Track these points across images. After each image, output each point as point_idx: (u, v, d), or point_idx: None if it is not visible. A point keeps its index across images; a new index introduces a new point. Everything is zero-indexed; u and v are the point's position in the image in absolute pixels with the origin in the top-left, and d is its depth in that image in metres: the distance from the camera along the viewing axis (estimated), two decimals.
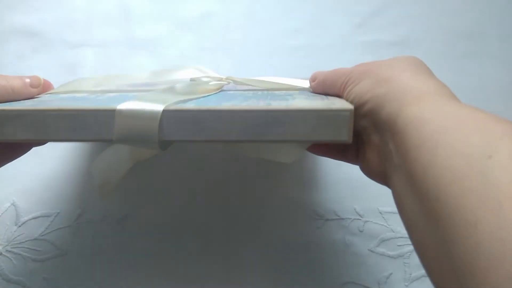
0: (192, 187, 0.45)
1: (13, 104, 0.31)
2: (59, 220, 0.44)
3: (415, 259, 0.41)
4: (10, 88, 0.34)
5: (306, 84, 0.38)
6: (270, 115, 0.28)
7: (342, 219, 0.44)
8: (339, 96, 0.33)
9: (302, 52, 0.50)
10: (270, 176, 0.45)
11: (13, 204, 0.45)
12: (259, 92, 0.36)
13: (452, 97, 0.27)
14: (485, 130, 0.21)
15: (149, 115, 0.28)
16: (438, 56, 0.54)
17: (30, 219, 0.44)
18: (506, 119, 0.22)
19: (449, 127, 0.22)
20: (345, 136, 0.29)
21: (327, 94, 0.34)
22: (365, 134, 0.30)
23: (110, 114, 0.29)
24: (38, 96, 0.37)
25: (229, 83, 0.39)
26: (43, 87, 0.37)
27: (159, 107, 0.28)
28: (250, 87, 0.38)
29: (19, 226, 0.43)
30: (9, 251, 0.42)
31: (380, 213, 0.44)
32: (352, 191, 0.42)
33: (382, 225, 0.43)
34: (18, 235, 0.43)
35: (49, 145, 0.37)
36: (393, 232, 0.43)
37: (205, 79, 0.39)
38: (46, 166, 0.45)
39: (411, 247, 0.42)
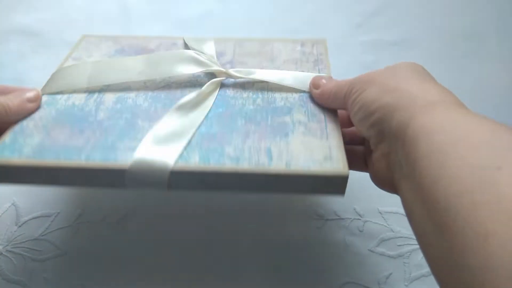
0: None
1: (26, 153, 0.31)
2: (59, 220, 0.44)
3: (414, 259, 0.41)
4: (6, 109, 0.34)
5: (306, 82, 0.38)
6: (270, 177, 0.30)
7: (342, 219, 0.44)
8: (343, 106, 0.33)
9: None
10: None
11: (13, 204, 0.45)
12: (260, 102, 0.37)
13: (460, 104, 0.27)
14: (494, 141, 0.21)
15: (159, 174, 0.30)
16: (438, 56, 0.54)
17: (30, 219, 0.44)
18: None
19: (458, 138, 0.22)
20: (341, 193, 0.31)
21: (329, 106, 0.35)
22: (373, 143, 0.30)
23: (120, 172, 0.30)
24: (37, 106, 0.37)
25: (226, 78, 0.39)
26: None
27: (168, 164, 0.30)
28: (247, 93, 0.38)
29: (19, 226, 0.43)
30: (9, 251, 0.42)
31: (380, 213, 0.44)
32: (352, 191, 0.42)
33: (382, 225, 0.43)
34: (18, 235, 0.43)
35: None
36: (393, 232, 0.43)
37: (203, 77, 0.39)
38: None
39: (411, 247, 0.42)
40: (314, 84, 0.37)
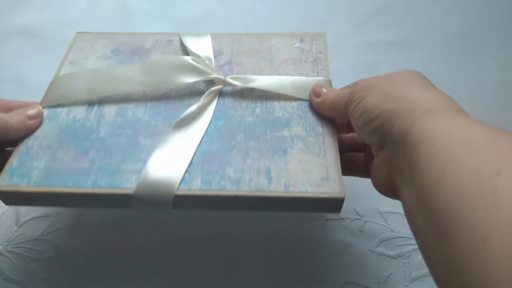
0: None
1: (34, 180, 0.33)
2: (59, 220, 0.44)
3: (415, 259, 0.41)
4: (7, 127, 0.34)
5: (304, 90, 0.38)
6: (269, 200, 0.31)
7: (342, 219, 0.44)
8: (343, 115, 0.33)
9: None
10: None
11: None
12: (259, 112, 0.37)
13: (460, 111, 0.27)
14: (493, 147, 0.22)
15: (163, 199, 0.32)
16: (438, 56, 0.54)
17: (30, 219, 0.44)
18: None
19: (459, 144, 0.23)
20: (337, 211, 0.33)
21: (329, 115, 0.36)
22: (374, 149, 0.30)
23: (126, 196, 0.32)
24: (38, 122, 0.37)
25: (224, 86, 0.39)
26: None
27: (171, 190, 0.31)
28: (246, 102, 0.38)
29: (19, 226, 0.43)
30: (9, 251, 0.42)
31: (380, 213, 0.44)
32: (352, 191, 0.42)
33: (382, 225, 0.43)
34: (18, 235, 0.43)
35: None
36: (393, 232, 0.43)
37: (202, 83, 0.39)
38: None
39: (411, 247, 0.42)
40: (315, 92, 0.36)
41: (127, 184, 0.32)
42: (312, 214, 0.44)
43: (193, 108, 0.36)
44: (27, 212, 0.44)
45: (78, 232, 0.43)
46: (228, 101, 0.38)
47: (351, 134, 0.40)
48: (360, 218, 0.44)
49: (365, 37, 0.56)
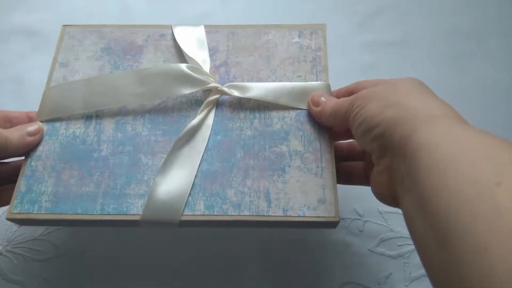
0: None
1: (44, 207, 0.34)
2: None
3: (414, 259, 0.41)
4: (6, 143, 0.34)
5: (302, 98, 0.37)
6: (269, 223, 0.33)
7: (342, 219, 0.44)
8: (343, 124, 0.33)
9: None
10: None
11: None
12: (257, 124, 0.37)
13: (460, 119, 0.27)
14: (493, 157, 0.22)
15: (169, 222, 0.33)
16: (438, 56, 0.54)
17: None
18: None
19: (459, 152, 0.23)
20: (333, 228, 0.34)
21: (328, 124, 0.36)
22: (375, 157, 0.30)
23: (134, 221, 0.34)
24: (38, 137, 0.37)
25: (221, 95, 0.38)
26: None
27: (175, 216, 0.33)
28: (244, 112, 0.38)
29: (20, 226, 0.43)
30: (10, 251, 0.42)
31: (380, 213, 0.44)
32: (352, 191, 0.42)
33: (382, 225, 0.43)
34: (19, 235, 0.43)
35: None
36: (393, 232, 0.43)
37: (199, 93, 0.38)
38: None
39: (411, 247, 0.42)
40: (313, 102, 0.36)
41: (134, 210, 0.34)
42: None
43: (192, 123, 0.36)
44: None
45: (78, 232, 0.43)
46: (226, 110, 0.38)
47: (349, 141, 0.40)
48: (360, 218, 0.44)
49: (365, 37, 0.56)
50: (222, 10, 0.59)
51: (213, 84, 0.38)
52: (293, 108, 0.37)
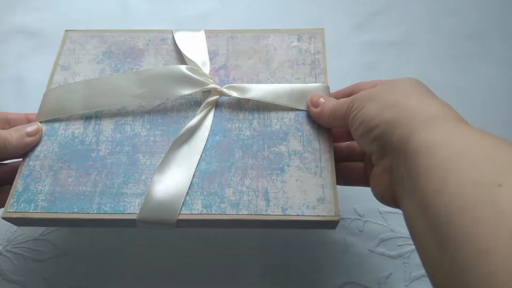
0: None
1: (41, 206, 0.34)
2: None
3: (414, 259, 0.41)
4: (5, 143, 0.34)
5: (301, 100, 0.37)
6: (268, 222, 0.33)
7: (342, 219, 0.44)
8: (342, 125, 0.33)
9: None
10: None
11: None
12: (256, 124, 0.37)
13: (460, 119, 0.27)
14: (494, 157, 0.22)
15: (166, 222, 0.33)
16: (438, 56, 0.54)
17: None
18: None
19: (459, 154, 0.23)
20: (332, 228, 0.34)
21: (327, 125, 0.36)
22: (375, 159, 0.30)
23: (130, 221, 0.33)
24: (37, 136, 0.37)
25: (220, 96, 0.38)
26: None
27: (173, 216, 0.33)
28: (243, 113, 0.38)
29: (19, 226, 0.43)
30: (10, 251, 0.42)
31: (380, 213, 0.44)
32: (352, 191, 0.42)
33: (382, 225, 0.43)
34: (19, 235, 0.43)
35: None
36: (393, 232, 0.43)
37: (198, 94, 0.38)
38: None
39: (411, 247, 0.42)
40: (312, 103, 0.36)
41: (131, 209, 0.33)
42: None
43: (191, 123, 0.36)
44: None
45: (78, 232, 0.43)
46: (225, 111, 0.38)
47: (348, 142, 0.40)
48: (360, 218, 0.44)
49: (365, 37, 0.56)
50: (222, 10, 0.59)
51: (212, 85, 0.38)
52: (292, 109, 0.38)
